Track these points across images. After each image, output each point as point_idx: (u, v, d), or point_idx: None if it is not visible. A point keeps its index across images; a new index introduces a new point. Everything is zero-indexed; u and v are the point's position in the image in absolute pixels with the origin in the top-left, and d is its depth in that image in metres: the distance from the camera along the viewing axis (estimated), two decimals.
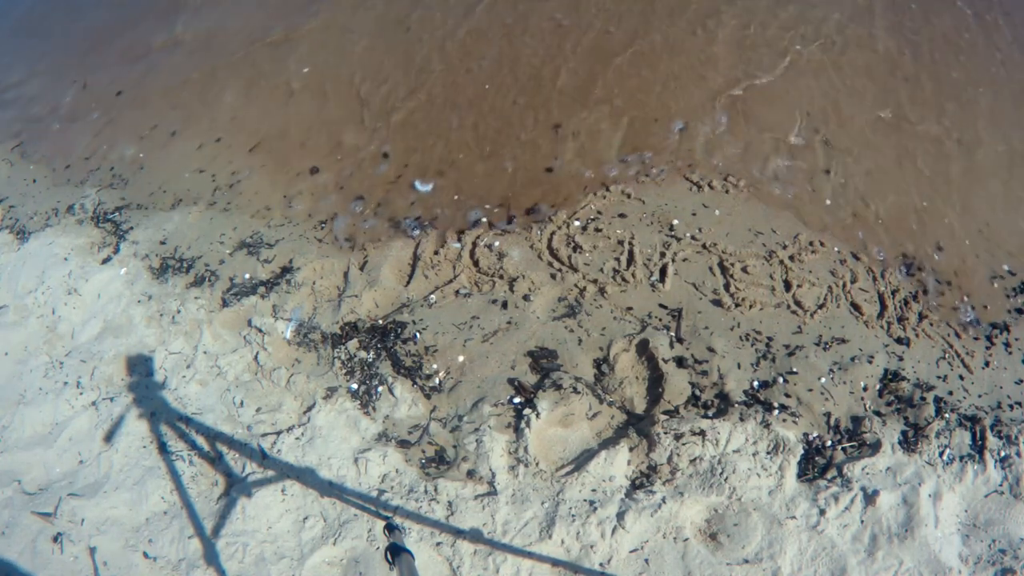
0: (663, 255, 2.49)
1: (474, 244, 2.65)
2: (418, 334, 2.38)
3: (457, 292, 2.50)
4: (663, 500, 1.88)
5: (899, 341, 2.22)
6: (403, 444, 2.12)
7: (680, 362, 2.19)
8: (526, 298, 2.43)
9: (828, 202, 2.66)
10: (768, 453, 1.96)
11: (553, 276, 2.49)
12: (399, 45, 3.78)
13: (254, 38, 4.18)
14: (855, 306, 2.32)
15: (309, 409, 2.23)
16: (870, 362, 2.15)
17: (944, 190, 2.70)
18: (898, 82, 3.14)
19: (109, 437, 2.29)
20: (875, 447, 1.96)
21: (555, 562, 1.83)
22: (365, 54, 3.80)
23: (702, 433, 1.99)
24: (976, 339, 2.24)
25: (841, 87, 3.11)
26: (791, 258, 2.46)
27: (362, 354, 2.36)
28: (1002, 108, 3.03)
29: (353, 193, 3.01)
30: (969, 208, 2.63)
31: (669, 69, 3.25)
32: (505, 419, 2.13)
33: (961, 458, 1.95)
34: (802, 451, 1.97)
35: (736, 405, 2.06)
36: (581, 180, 2.83)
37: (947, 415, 2.03)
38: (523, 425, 2.07)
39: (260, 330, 2.49)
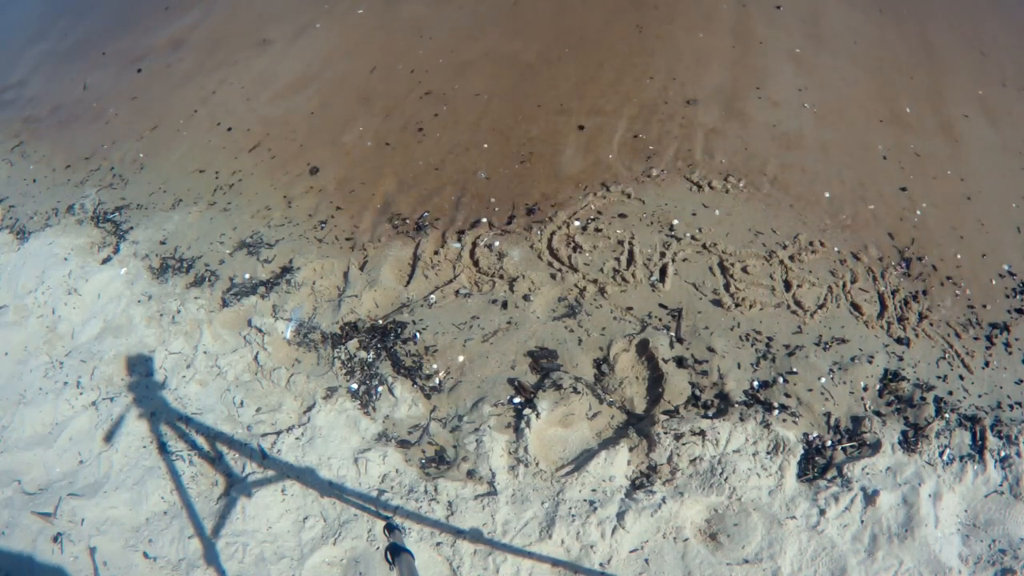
0: (663, 255, 2.49)
1: (474, 244, 2.64)
2: (418, 334, 2.38)
3: (457, 292, 2.50)
4: (663, 500, 1.88)
5: (899, 341, 2.22)
6: (403, 444, 2.12)
7: (680, 362, 2.19)
8: (526, 298, 2.43)
9: (827, 197, 2.66)
10: (768, 453, 1.96)
11: (553, 276, 2.49)
12: (395, 44, 3.78)
13: (255, 38, 4.19)
14: (855, 306, 2.32)
15: (309, 409, 2.23)
16: (870, 362, 2.15)
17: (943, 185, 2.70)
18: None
19: (109, 437, 2.29)
20: (875, 447, 1.96)
21: (555, 562, 1.83)
22: (365, 55, 3.80)
23: (702, 433, 1.99)
24: (976, 339, 2.24)
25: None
26: (791, 258, 2.46)
27: (362, 354, 2.36)
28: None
29: (353, 191, 3.01)
30: (970, 204, 2.63)
31: (666, 67, 3.26)
32: (505, 419, 2.13)
33: (961, 458, 1.94)
34: (802, 451, 1.97)
35: (736, 405, 2.06)
36: (581, 180, 2.83)
37: (947, 415, 2.03)
38: (523, 425, 2.07)
39: (260, 330, 2.49)
